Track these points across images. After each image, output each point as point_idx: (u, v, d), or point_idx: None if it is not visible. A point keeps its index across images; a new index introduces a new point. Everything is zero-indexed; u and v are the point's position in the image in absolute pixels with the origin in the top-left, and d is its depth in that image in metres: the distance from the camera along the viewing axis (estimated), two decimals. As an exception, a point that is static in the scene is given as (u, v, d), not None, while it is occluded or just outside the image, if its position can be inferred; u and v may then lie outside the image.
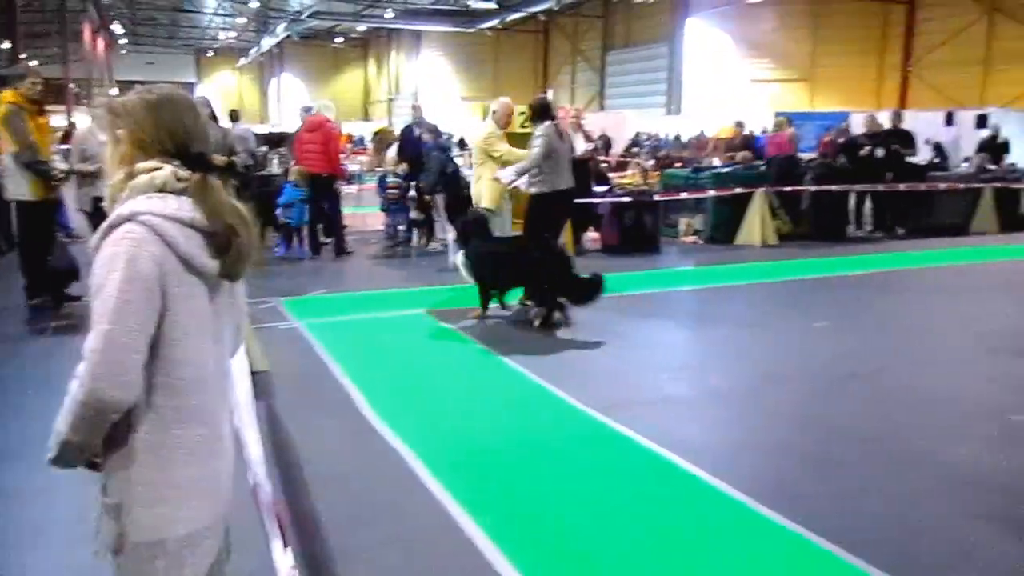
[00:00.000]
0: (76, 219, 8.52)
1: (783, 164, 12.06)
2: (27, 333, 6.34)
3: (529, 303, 7.01)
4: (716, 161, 16.24)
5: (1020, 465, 3.92)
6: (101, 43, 36.23)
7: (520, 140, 8.07)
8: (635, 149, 20.82)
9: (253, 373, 3.61)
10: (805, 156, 14.42)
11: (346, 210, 11.38)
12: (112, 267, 1.51)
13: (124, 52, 48.46)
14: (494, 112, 8.04)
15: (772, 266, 9.67)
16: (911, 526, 3.30)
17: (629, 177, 15.20)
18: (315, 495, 3.52)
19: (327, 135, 9.85)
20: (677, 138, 25.75)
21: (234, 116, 12.91)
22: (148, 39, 49.85)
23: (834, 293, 8.29)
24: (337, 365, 5.49)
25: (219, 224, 1.64)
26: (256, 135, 16.47)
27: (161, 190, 1.60)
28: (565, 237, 8.60)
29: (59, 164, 7.00)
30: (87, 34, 31.83)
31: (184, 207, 1.60)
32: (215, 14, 43.49)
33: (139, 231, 1.54)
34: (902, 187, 12.16)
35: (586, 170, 9.98)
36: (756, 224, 11.18)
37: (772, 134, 14.52)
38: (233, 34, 47.66)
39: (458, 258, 7.30)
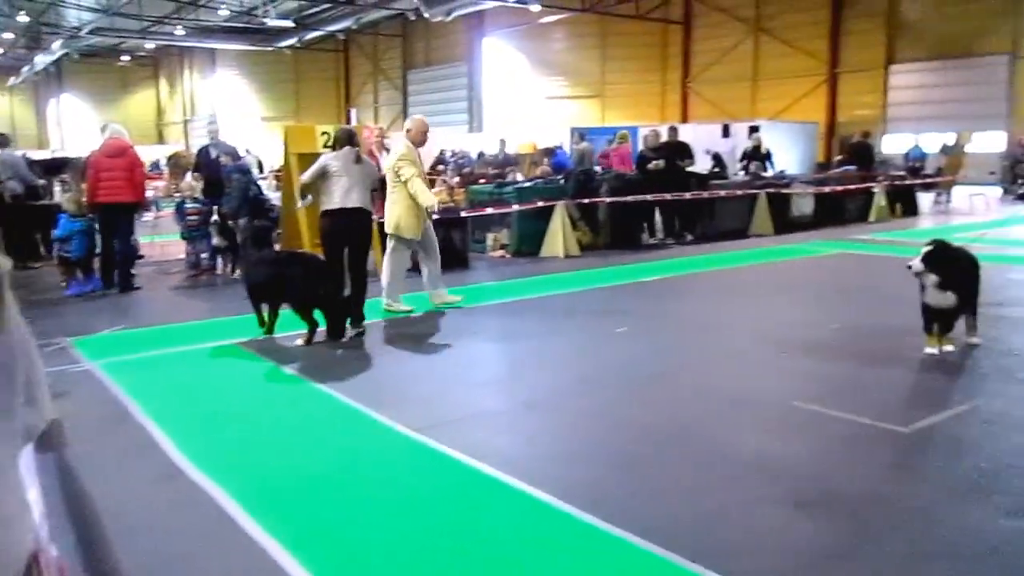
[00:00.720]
0: None
1: (580, 178, 12.77)
2: None
3: (361, 327, 6.98)
4: (519, 176, 16.79)
5: (802, 450, 4.36)
6: None
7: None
8: (440, 167, 21.02)
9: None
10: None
11: (142, 239, 10.73)
12: None
13: None
14: (408, 131, 7.73)
15: (574, 276, 10.16)
16: (711, 515, 3.58)
17: (436, 195, 15.33)
18: (116, 549, 3.30)
19: (132, 161, 9.22)
20: (480, 155, 26.33)
21: (1, 141, 11.75)
22: None
23: (633, 299, 8.85)
24: (138, 406, 5.16)
25: None
26: (34, 162, 15.13)
27: None
28: (375, 256, 8.58)
29: None
30: None
31: None
32: (-27, 28, 39.47)
33: None
34: (687, 196, 13.19)
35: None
36: (559, 236, 11.71)
37: (616, 147, 15.40)
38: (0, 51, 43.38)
39: None
